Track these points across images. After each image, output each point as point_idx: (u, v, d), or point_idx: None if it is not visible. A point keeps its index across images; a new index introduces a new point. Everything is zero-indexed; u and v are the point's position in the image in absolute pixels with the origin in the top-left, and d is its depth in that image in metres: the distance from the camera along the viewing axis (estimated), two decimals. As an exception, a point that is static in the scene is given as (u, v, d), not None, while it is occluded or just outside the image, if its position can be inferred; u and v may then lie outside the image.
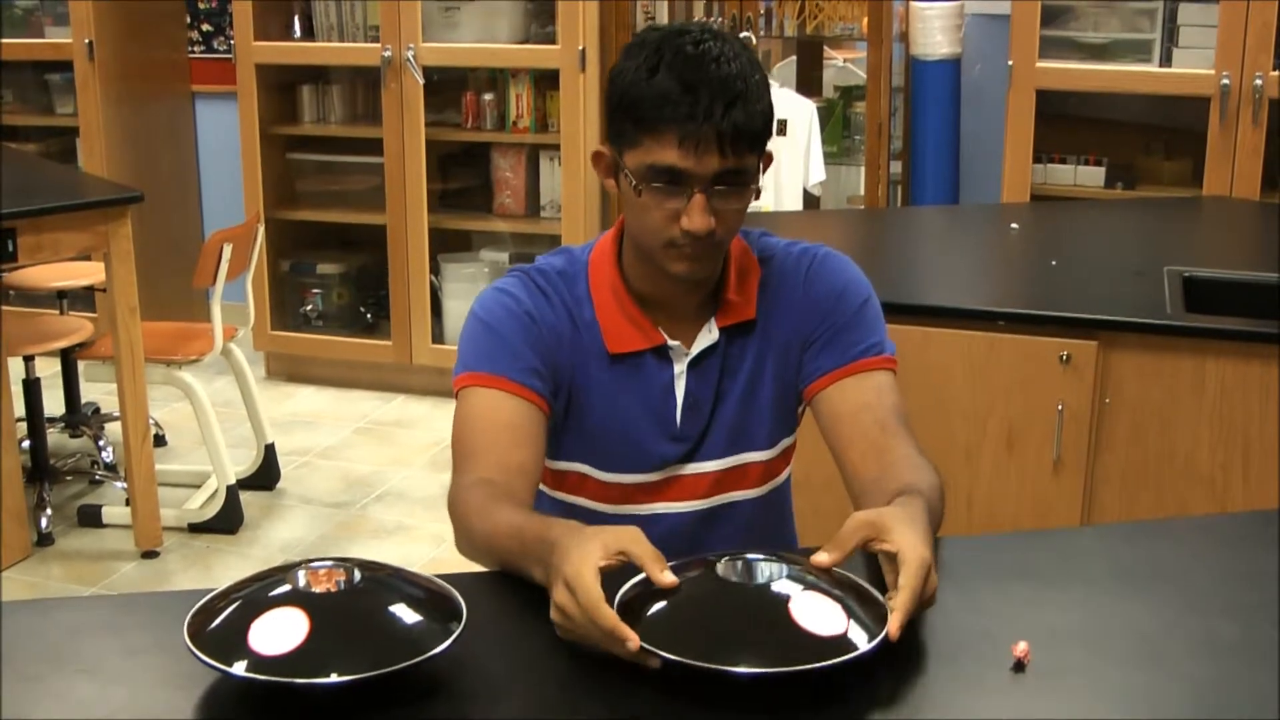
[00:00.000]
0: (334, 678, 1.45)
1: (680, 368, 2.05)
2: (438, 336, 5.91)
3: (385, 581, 1.61)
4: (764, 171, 1.95)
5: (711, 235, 1.89)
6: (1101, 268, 3.59)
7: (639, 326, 2.03)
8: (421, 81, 5.63)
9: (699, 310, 2.05)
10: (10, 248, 3.99)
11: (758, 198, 1.97)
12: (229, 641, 1.49)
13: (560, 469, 2.10)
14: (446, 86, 5.90)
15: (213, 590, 1.59)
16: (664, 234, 1.91)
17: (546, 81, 5.68)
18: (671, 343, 2.04)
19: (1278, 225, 4.09)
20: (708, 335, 2.05)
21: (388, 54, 5.62)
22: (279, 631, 1.49)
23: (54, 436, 5.23)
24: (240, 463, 4.97)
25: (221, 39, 6.50)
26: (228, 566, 4.42)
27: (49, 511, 4.66)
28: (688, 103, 1.82)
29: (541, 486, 2.11)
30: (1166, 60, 4.91)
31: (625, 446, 2.06)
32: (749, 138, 1.86)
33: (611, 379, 2.03)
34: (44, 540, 4.56)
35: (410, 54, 5.59)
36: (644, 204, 1.90)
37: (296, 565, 1.60)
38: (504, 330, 1.99)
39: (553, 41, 5.55)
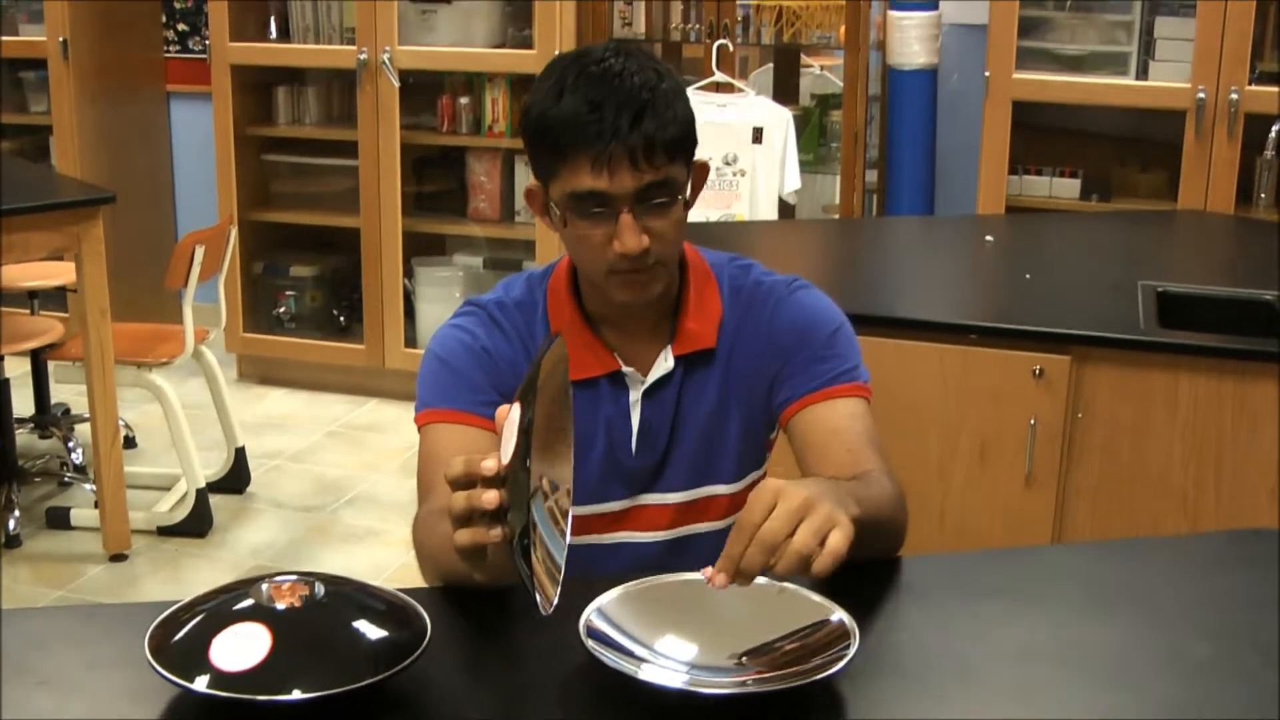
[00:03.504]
0: (296, 694, 1.43)
1: (635, 395, 2.03)
2: (410, 340, 5.88)
3: (349, 596, 1.60)
4: (693, 182, 1.94)
5: (647, 254, 1.87)
6: (1076, 281, 3.59)
7: (595, 353, 2.01)
8: (397, 84, 5.61)
9: (655, 334, 2.03)
10: (-21, 248, 3.96)
11: (689, 208, 1.95)
12: (190, 656, 1.47)
13: None
14: (422, 89, 5.88)
15: (176, 602, 1.58)
16: (601, 261, 1.89)
17: (523, 85, 5.66)
18: (626, 369, 2.02)
19: (1252, 240, 4.10)
20: (664, 364, 2.03)
21: (363, 56, 5.60)
22: (241, 647, 1.48)
23: (23, 437, 5.20)
24: (211, 465, 4.95)
25: (197, 39, 6.46)
26: (197, 570, 4.40)
27: (17, 513, 4.63)
28: (594, 121, 1.81)
29: None
30: (1143, 73, 4.92)
31: (581, 478, 2.03)
32: (664, 147, 1.84)
33: None
34: (11, 542, 4.53)
35: (386, 56, 5.57)
36: (576, 234, 1.89)
37: (259, 579, 1.58)
38: (460, 365, 1.97)
39: (529, 45, 5.54)
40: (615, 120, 1.80)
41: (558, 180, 1.87)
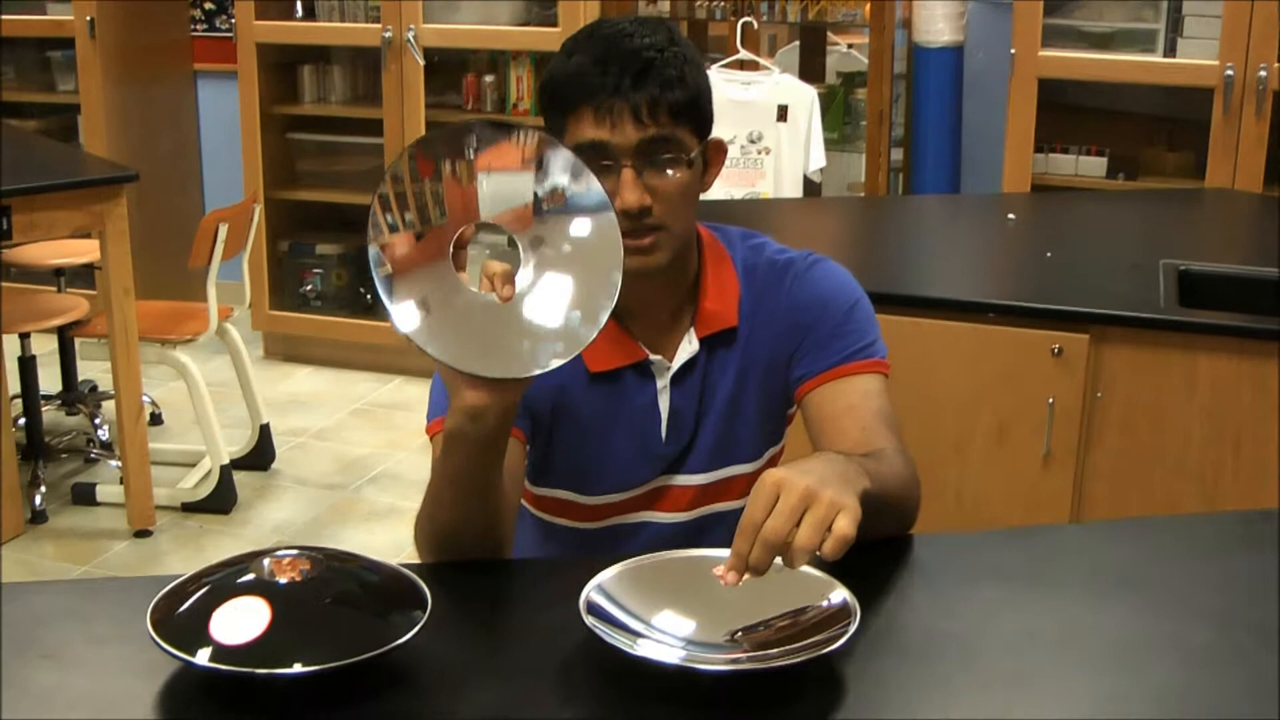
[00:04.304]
0: (296, 668, 1.44)
1: (663, 383, 2.00)
2: (436, 319, 5.88)
3: (350, 571, 1.60)
4: (709, 159, 1.93)
5: (648, 213, 1.86)
6: (1097, 260, 3.57)
7: (618, 342, 1.98)
8: (422, 62, 5.61)
9: (676, 320, 2.01)
10: (4, 225, 3.98)
11: (705, 186, 1.94)
12: (191, 630, 1.47)
13: (542, 494, 2.07)
14: (447, 68, 5.89)
15: (178, 576, 1.58)
16: None
17: (547, 64, 5.64)
18: (653, 357, 1.99)
19: (1278, 219, 4.06)
20: (688, 347, 2.01)
21: (388, 34, 5.60)
22: (241, 621, 1.48)
23: (50, 414, 5.23)
24: (235, 443, 4.97)
25: (224, 18, 6.47)
26: (220, 547, 4.41)
27: (43, 489, 4.66)
28: (598, 74, 1.82)
29: (524, 503, 2.09)
30: (1170, 50, 4.88)
31: (609, 469, 2.02)
32: (669, 106, 1.84)
33: (593, 399, 1.99)
34: (37, 518, 4.56)
35: (411, 35, 5.57)
36: None
37: (261, 553, 1.59)
38: None
39: (554, 24, 5.53)
40: (620, 75, 1.82)
41: (565, 137, 1.86)
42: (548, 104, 1.90)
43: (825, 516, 1.49)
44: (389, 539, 4.42)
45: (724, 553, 1.62)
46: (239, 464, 4.88)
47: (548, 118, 1.91)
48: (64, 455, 5.06)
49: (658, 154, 1.85)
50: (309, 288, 6.19)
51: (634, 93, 1.82)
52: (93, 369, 5.38)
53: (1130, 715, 1.48)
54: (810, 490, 1.50)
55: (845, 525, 1.49)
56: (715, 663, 1.50)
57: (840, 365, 1.99)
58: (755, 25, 5.30)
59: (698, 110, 1.89)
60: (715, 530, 2.05)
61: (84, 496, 4.70)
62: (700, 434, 2.04)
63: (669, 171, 1.87)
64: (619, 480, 2.03)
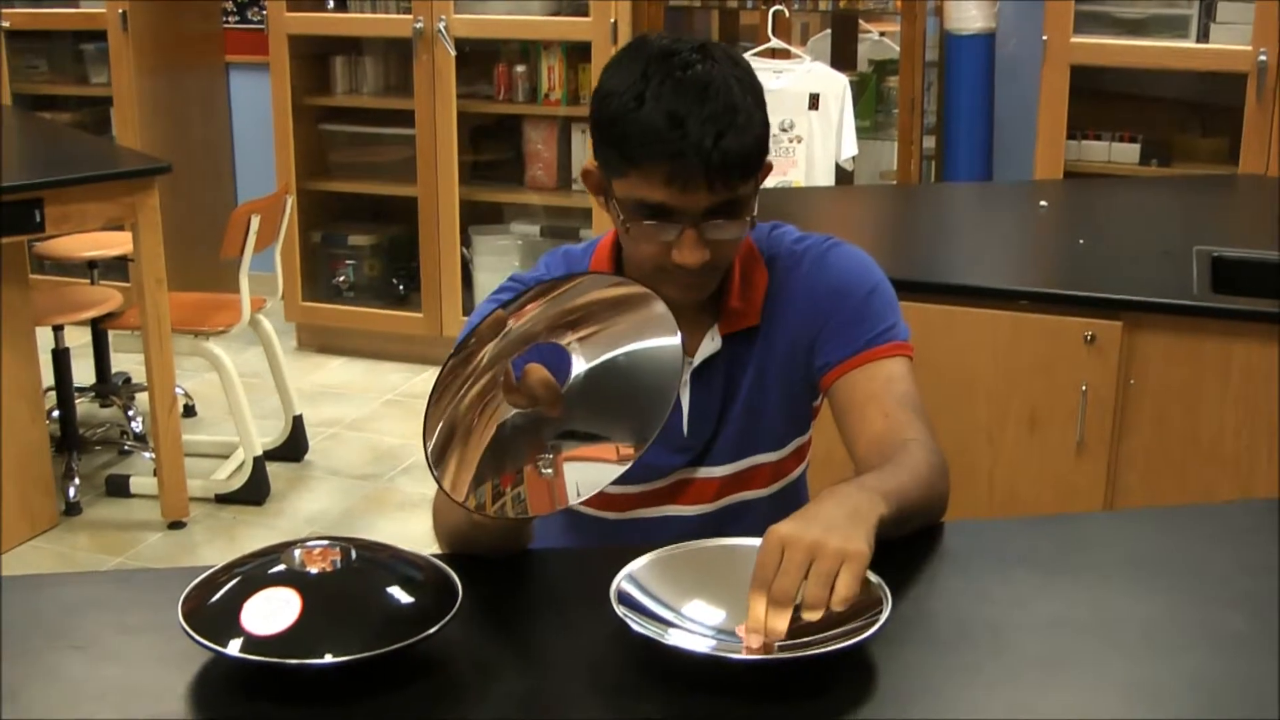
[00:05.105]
0: (327, 658, 1.44)
1: (684, 377, 2.00)
2: (468, 309, 5.89)
3: (381, 561, 1.60)
4: (761, 183, 1.90)
5: (705, 265, 1.85)
6: (1130, 247, 3.55)
7: None
8: (453, 53, 5.61)
9: (700, 315, 2.00)
10: (38, 218, 3.99)
11: (753, 226, 1.91)
12: (223, 621, 1.48)
13: None
14: (478, 58, 5.89)
15: (209, 568, 1.59)
16: (656, 263, 1.86)
17: (578, 54, 5.66)
18: None
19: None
20: (710, 344, 2.00)
21: (419, 25, 5.60)
22: (272, 611, 1.48)
23: (84, 406, 5.26)
24: (269, 434, 4.98)
25: (255, 9, 6.49)
26: (253, 538, 4.42)
27: (77, 481, 4.68)
28: (675, 138, 1.75)
29: None
30: (1203, 36, 4.85)
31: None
32: (740, 168, 1.80)
33: None
34: (71, 510, 4.58)
35: (442, 25, 5.58)
36: (634, 236, 1.85)
37: (292, 544, 1.59)
38: None
39: (585, 14, 5.53)
40: (698, 139, 1.75)
41: (625, 181, 1.83)
42: (610, 140, 1.83)
43: (830, 569, 1.49)
44: (422, 529, 4.39)
45: (754, 542, 1.61)
46: (272, 455, 4.89)
47: (606, 150, 1.85)
48: (98, 447, 5.08)
49: (722, 214, 1.83)
50: (341, 278, 6.21)
51: (710, 157, 1.76)
52: (126, 361, 5.40)
53: (1163, 702, 1.47)
54: (815, 542, 1.51)
55: (845, 585, 1.49)
56: (745, 651, 1.50)
57: (862, 352, 1.97)
58: (786, 13, 5.28)
59: (764, 154, 1.86)
60: (740, 520, 2.05)
61: (118, 488, 4.72)
62: (723, 427, 2.03)
63: (729, 228, 1.85)
64: (642, 470, 2.02)
